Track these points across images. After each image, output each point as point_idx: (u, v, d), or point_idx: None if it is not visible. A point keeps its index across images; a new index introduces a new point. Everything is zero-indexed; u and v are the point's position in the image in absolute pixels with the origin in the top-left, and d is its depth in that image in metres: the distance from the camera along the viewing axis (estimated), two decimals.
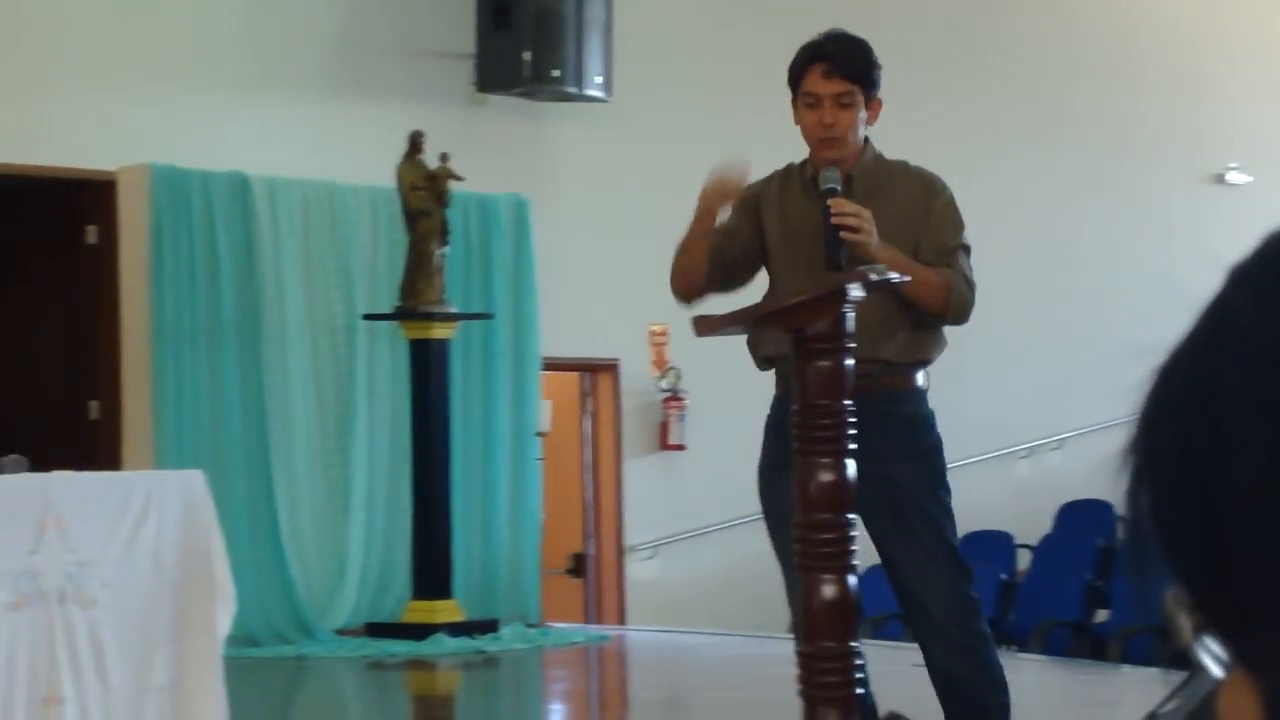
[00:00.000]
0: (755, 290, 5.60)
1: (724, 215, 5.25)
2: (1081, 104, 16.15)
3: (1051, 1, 16.13)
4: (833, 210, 5.16)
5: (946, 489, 5.43)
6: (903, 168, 5.52)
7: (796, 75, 5.30)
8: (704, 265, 5.31)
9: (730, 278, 5.43)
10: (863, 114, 5.34)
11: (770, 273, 5.43)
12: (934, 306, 5.38)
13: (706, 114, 13.35)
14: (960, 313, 5.46)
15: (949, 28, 15.38)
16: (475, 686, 10.50)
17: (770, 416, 5.41)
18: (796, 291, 4.92)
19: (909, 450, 5.33)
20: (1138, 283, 16.42)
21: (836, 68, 5.26)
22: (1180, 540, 0.94)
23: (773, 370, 5.36)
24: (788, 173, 5.45)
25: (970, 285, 5.42)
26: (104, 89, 11.45)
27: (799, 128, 5.34)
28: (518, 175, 12.51)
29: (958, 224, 5.53)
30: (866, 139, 5.42)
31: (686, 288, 5.37)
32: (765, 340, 5.24)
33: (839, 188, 5.23)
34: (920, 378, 5.43)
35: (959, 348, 17.50)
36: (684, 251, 5.33)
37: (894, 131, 16.30)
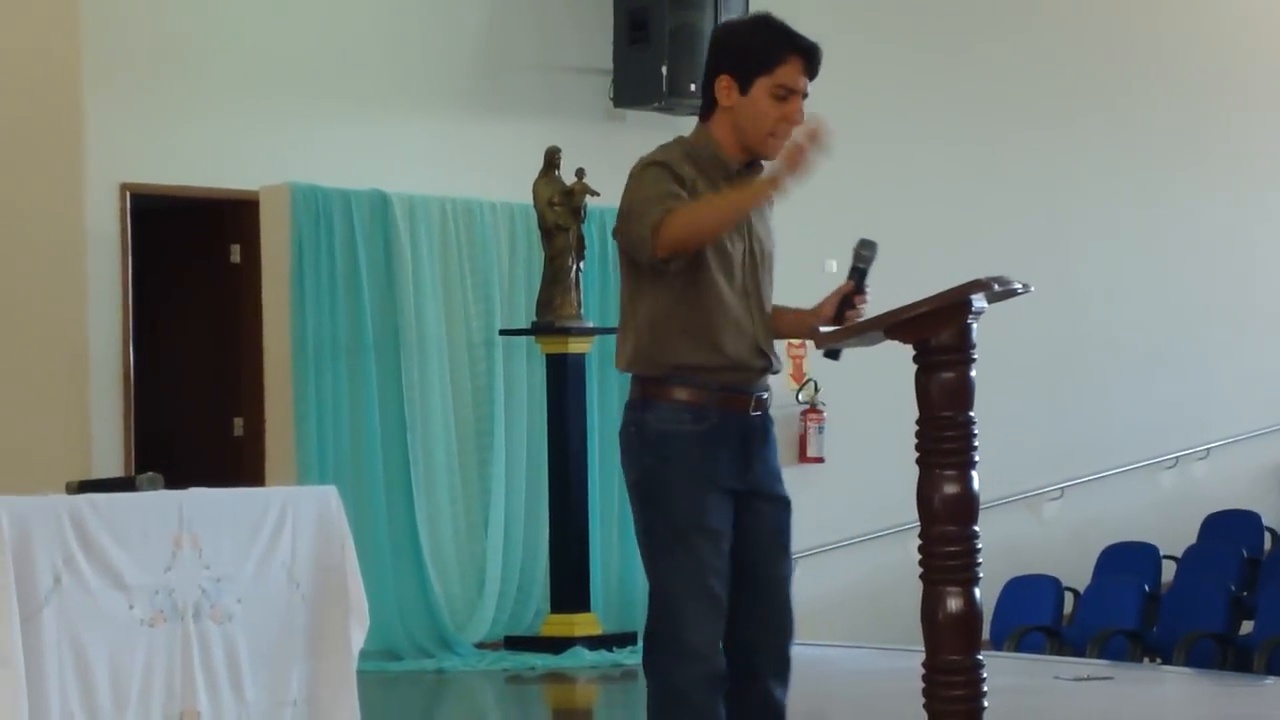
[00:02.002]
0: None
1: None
2: (1233, 118, 15.97)
3: (1201, 19, 15.96)
4: (857, 303, 5.01)
5: None
6: None
7: (770, 61, 4.95)
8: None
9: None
10: None
11: (698, 266, 4.95)
12: None
13: (842, 127, 13.31)
14: None
15: (1100, 42, 15.25)
16: (614, 699, 10.53)
17: (700, 431, 4.96)
18: (926, 300, 4.87)
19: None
20: None
21: (811, 69, 5.02)
22: None
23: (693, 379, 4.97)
24: (690, 154, 5.00)
25: None
26: (246, 110, 11.60)
27: (741, 112, 4.95)
28: None
29: None
30: None
31: (689, 249, 4.87)
32: (681, 348, 4.96)
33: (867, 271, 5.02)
34: None
35: (1104, 359, 17.37)
36: (729, 212, 4.86)
37: (1051, 143, 16.05)
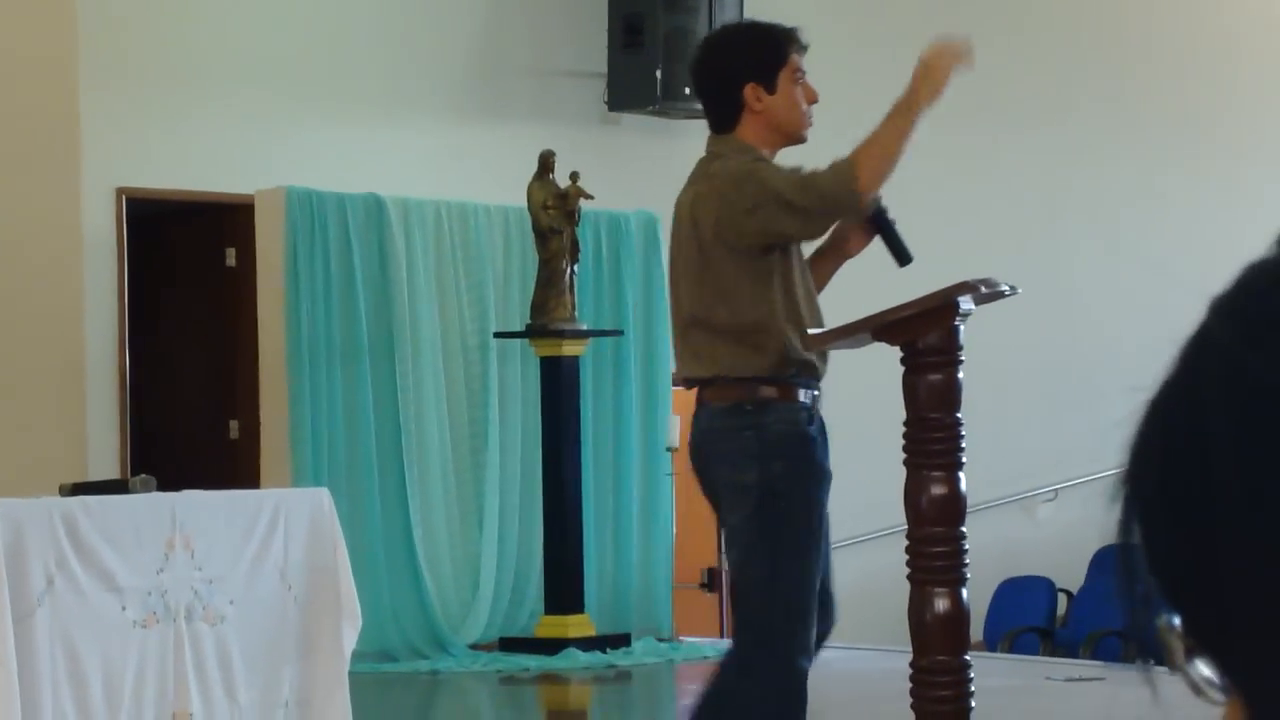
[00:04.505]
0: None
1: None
2: (1228, 116, 16.00)
3: (1196, 16, 16.00)
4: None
5: None
6: None
7: (782, 53, 5.31)
8: None
9: None
10: None
11: (786, 252, 5.24)
12: None
13: (839, 130, 13.35)
14: None
15: (1094, 41, 15.29)
16: (607, 701, 10.56)
17: (813, 433, 5.13)
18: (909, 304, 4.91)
19: None
20: None
21: (803, 49, 5.42)
22: (1168, 564, 0.96)
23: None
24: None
25: None
26: (241, 114, 11.63)
27: (776, 107, 5.27)
28: (648, 193, 12.55)
29: None
30: None
31: (886, 179, 5.29)
32: (794, 343, 5.08)
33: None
34: None
35: (1099, 360, 17.17)
36: (908, 132, 5.27)
37: (1045, 144, 15.88)
